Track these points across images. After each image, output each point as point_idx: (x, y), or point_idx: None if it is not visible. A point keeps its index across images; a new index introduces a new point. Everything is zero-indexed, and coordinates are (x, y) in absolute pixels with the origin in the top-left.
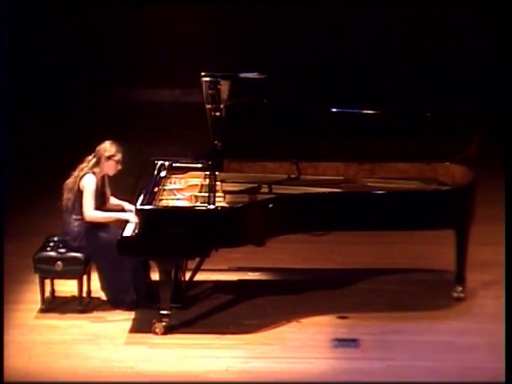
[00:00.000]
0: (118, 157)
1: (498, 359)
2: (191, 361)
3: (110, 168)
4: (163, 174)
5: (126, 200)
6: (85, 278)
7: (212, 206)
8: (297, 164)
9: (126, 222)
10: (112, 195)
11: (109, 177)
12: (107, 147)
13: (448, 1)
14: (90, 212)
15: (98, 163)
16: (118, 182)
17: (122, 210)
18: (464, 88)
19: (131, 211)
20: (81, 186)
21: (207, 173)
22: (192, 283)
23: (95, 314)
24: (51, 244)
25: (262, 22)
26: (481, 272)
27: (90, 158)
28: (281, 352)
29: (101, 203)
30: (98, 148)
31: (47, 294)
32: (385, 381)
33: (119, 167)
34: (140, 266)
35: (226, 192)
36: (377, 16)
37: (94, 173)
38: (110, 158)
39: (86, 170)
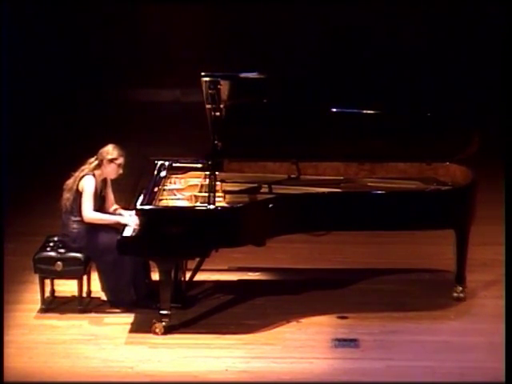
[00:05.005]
0: (120, 160)
1: (498, 359)
2: (191, 361)
3: (112, 171)
4: (163, 173)
5: (126, 201)
6: (85, 278)
7: (212, 206)
8: (297, 164)
9: (125, 225)
10: (116, 202)
11: (111, 181)
12: (110, 150)
13: (448, 1)
14: (89, 213)
15: (99, 165)
16: (118, 183)
17: (119, 214)
18: (464, 88)
19: (129, 216)
20: (80, 187)
21: (207, 173)
22: (192, 283)
23: (95, 314)
24: (51, 244)
25: (262, 22)
26: (481, 272)
27: (92, 159)
28: (281, 352)
29: (100, 206)
30: (100, 150)
31: (47, 294)
32: (385, 381)
33: (120, 171)
34: (140, 266)
35: (226, 192)
36: (376, 16)
37: (93, 175)
38: (111, 161)
39: (86, 171)
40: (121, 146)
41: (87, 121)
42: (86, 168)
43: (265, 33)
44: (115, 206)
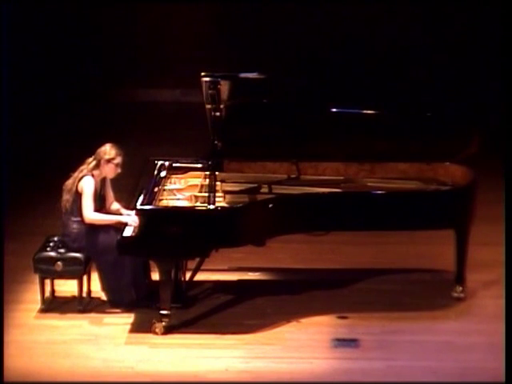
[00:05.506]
0: (118, 160)
1: (498, 359)
2: (191, 361)
3: (110, 171)
4: (163, 174)
5: (126, 201)
6: (85, 278)
7: (212, 206)
8: (297, 164)
9: (125, 224)
10: (116, 200)
11: (110, 180)
12: (107, 150)
13: (447, 1)
14: (90, 214)
15: (97, 166)
16: (118, 183)
17: (120, 214)
18: (464, 88)
19: (129, 216)
20: (79, 188)
21: (207, 173)
22: (192, 283)
23: (95, 314)
24: (51, 244)
25: (262, 22)
26: (481, 272)
27: (90, 160)
28: (281, 352)
29: (100, 206)
30: (98, 150)
31: (47, 294)
32: (385, 381)
33: (119, 170)
34: (140, 266)
35: (226, 192)
36: (377, 16)
37: (92, 175)
38: (109, 161)
39: (85, 171)
40: (118, 145)
41: (87, 121)
42: (85, 168)
43: (265, 33)
44: (116, 205)
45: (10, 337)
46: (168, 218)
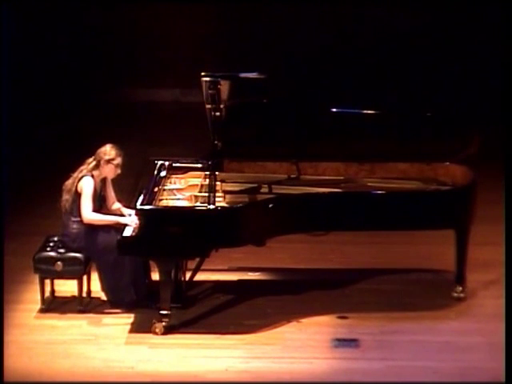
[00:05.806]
0: (118, 161)
1: (498, 359)
2: (191, 361)
3: (109, 171)
4: (163, 173)
5: (127, 201)
6: (85, 278)
7: (212, 206)
8: (297, 164)
9: (124, 225)
10: (118, 200)
11: (111, 180)
12: (107, 150)
13: (447, 1)
14: (88, 214)
15: (97, 166)
16: (118, 183)
17: (121, 214)
18: (464, 88)
19: (129, 215)
20: (79, 188)
21: (207, 173)
22: (192, 283)
23: (95, 314)
24: (51, 244)
25: (262, 22)
26: (481, 272)
27: (90, 160)
28: (281, 352)
29: (99, 206)
30: (98, 151)
31: (47, 294)
32: (385, 381)
33: (118, 171)
34: (140, 266)
35: (226, 192)
36: (377, 16)
37: (92, 175)
38: (109, 161)
39: (84, 172)
40: (118, 146)
41: (87, 121)
42: (85, 169)
43: (265, 32)
44: (117, 205)
45: (10, 337)
46: (168, 218)
